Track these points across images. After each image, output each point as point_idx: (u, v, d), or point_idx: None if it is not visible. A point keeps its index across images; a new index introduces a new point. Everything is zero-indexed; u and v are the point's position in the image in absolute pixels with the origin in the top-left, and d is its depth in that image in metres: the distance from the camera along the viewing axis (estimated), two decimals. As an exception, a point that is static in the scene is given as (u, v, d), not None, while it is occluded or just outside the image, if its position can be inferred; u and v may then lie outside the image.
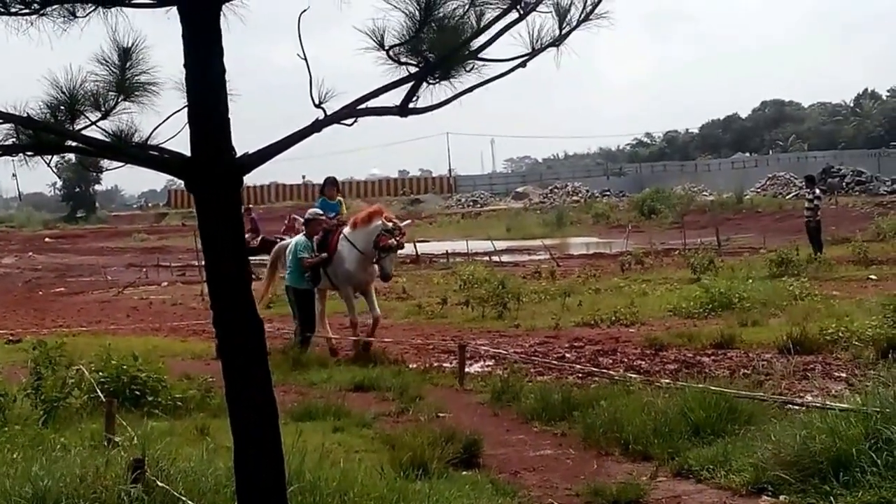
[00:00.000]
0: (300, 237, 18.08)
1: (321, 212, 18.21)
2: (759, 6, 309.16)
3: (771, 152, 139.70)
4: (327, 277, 17.96)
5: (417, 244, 43.44)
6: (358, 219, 17.86)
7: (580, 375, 14.35)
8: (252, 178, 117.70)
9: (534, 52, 6.14)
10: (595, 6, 6.24)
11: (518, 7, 6.03)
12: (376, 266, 17.60)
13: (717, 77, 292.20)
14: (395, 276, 33.49)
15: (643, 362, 15.52)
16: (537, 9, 6.15)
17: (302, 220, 19.34)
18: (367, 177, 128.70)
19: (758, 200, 69.75)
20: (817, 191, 33.32)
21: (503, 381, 13.28)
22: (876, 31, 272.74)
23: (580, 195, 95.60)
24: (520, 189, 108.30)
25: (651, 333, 17.52)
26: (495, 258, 38.92)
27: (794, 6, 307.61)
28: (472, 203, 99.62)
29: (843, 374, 13.36)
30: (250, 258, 37.40)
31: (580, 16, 6.25)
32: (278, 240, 36.56)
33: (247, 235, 37.23)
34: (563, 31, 6.18)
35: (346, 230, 17.83)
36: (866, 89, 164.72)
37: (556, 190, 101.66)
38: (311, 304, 17.81)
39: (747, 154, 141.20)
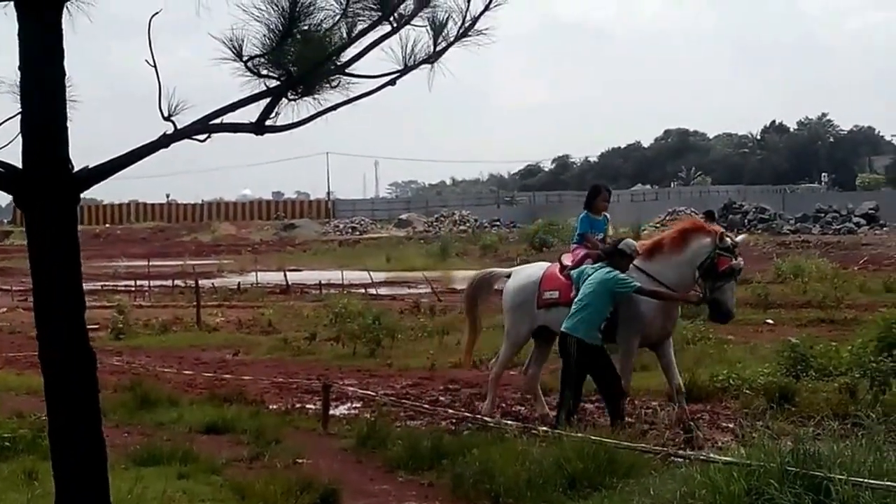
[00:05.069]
0: (594, 267, 13.57)
1: (636, 245, 13.98)
2: (664, 30, 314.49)
3: (673, 185, 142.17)
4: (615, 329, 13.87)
5: (288, 273, 43.25)
6: (664, 241, 14.17)
7: (453, 421, 14.39)
8: (111, 196, 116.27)
9: (406, 69, 6.16)
10: (475, 21, 6.28)
11: (390, 19, 6.03)
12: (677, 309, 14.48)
13: (619, 103, 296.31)
14: (262, 307, 33.46)
15: (522, 408, 15.61)
16: (412, 22, 6.15)
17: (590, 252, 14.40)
18: (237, 198, 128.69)
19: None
20: (717, 228, 33.76)
21: (369, 426, 13.26)
22: (786, 61, 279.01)
23: (468, 224, 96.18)
24: (403, 216, 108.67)
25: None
26: (372, 290, 38.82)
27: (702, 32, 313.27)
28: (350, 230, 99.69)
29: (731, 425, 13.56)
30: None
31: (458, 31, 6.27)
32: None
33: None
34: (439, 48, 6.20)
35: (637, 260, 13.84)
36: (774, 121, 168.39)
37: (442, 218, 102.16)
38: (607, 365, 13.37)
39: (648, 186, 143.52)
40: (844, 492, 7.86)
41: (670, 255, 13.78)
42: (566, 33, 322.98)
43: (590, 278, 13.34)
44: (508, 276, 15.56)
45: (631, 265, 13.60)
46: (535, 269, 15.27)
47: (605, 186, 15.69)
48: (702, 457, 10.12)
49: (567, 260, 14.65)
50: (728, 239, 13.54)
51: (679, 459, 10.65)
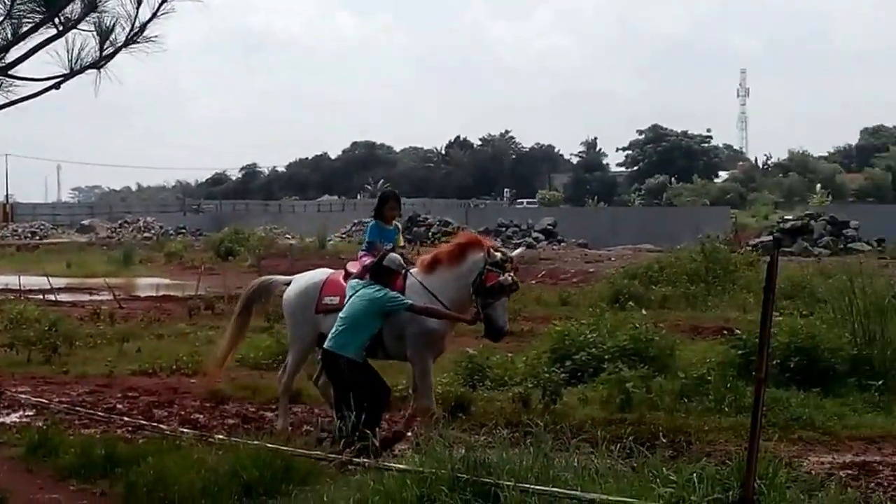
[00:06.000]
0: (358, 282, 13.17)
1: (401, 259, 13.39)
2: (355, 45, 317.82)
3: (360, 196, 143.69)
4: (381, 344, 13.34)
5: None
6: (441, 255, 13.42)
7: (130, 429, 14.15)
8: None
9: (72, 73, 6.07)
10: (143, 28, 6.24)
11: (56, 22, 5.93)
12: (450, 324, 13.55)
13: (309, 114, 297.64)
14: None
15: (202, 416, 15.46)
16: (79, 26, 6.07)
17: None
18: None
19: (341, 246, 70.94)
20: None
21: (41, 433, 12.90)
22: (471, 79, 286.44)
23: (153, 231, 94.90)
24: (86, 221, 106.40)
25: (213, 385, 17.46)
26: (51, 297, 37.70)
27: (391, 49, 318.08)
28: (30, 234, 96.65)
29: (410, 434, 13.81)
30: None
31: (127, 37, 6.22)
32: None
33: None
34: (106, 52, 6.14)
35: (416, 273, 13.39)
36: (458, 137, 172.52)
37: (126, 224, 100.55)
38: (362, 381, 12.65)
39: (335, 196, 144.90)
40: (512, 497, 8.20)
41: (448, 270, 13.14)
42: (257, 43, 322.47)
43: (357, 295, 12.86)
44: (288, 283, 14.89)
45: (414, 280, 13.24)
46: (316, 275, 14.50)
47: (393, 194, 15.25)
48: (377, 465, 10.35)
49: (353, 268, 14.04)
50: (498, 254, 12.80)
51: (355, 467, 10.81)
